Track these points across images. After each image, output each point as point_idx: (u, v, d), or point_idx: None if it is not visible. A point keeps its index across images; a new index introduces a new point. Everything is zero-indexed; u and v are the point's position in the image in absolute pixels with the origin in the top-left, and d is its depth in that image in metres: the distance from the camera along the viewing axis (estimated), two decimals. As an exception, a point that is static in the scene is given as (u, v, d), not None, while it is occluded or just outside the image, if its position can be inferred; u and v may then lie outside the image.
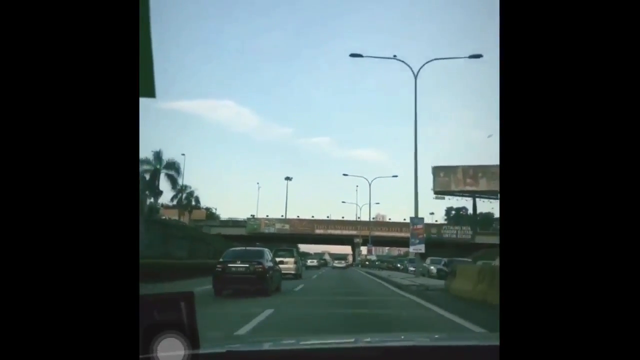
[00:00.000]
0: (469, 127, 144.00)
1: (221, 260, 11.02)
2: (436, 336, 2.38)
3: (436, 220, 58.78)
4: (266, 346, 1.34)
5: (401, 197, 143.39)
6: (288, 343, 1.44)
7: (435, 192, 53.90)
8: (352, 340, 1.65)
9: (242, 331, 5.69)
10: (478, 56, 19.41)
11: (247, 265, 10.56)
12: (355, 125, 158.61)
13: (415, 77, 19.39)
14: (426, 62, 19.90)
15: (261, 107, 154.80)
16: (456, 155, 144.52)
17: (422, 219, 19.84)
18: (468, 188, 53.30)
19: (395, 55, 19.84)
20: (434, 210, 61.49)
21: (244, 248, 12.49)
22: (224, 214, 62.81)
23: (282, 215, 49.90)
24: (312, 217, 48.86)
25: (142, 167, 35.99)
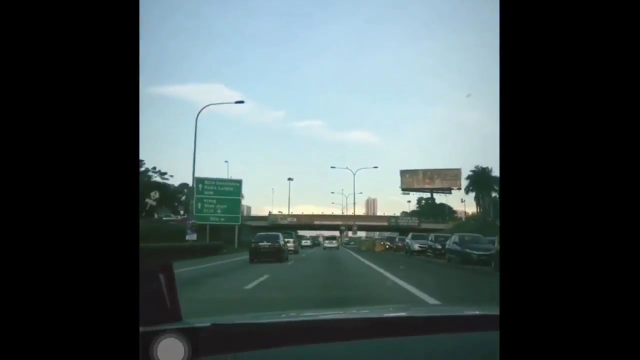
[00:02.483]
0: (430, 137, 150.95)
1: (253, 240, 18.17)
2: (433, 307, 2.60)
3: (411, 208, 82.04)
4: (251, 319, 1.33)
5: (386, 182, 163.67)
6: (273, 316, 1.44)
7: (403, 189, 77.24)
8: (345, 312, 1.65)
9: (291, 262, 16.46)
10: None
11: (270, 244, 17.52)
12: (347, 108, 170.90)
13: (354, 175, 42.69)
14: (359, 169, 43.94)
15: (252, 91, 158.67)
16: (421, 159, 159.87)
17: (356, 225, 45.77)
18: (427, 186, 76.30)
19: (347, 167, 45.55)
20: (410, 199, 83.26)
21: (266, 233, 19.63)
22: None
23: (282, 209, 73.34)
24: (312, 213, 72.01)
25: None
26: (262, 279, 10.17)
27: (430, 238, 24.09)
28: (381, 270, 12.70)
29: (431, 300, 6.76)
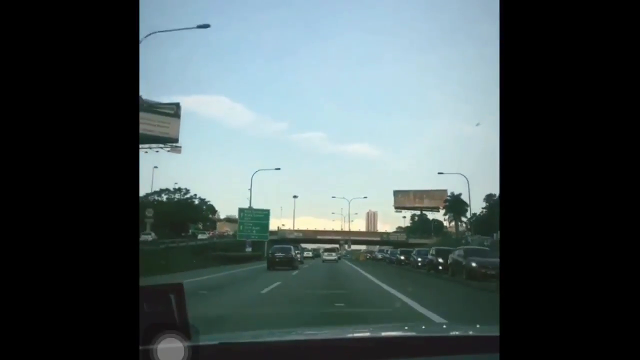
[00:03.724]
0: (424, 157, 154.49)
1: (270, 252, 24.29)
2: (434, 327, 2.62)
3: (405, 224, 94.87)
4: (258, 338, 1.37)
5: (387, 195, 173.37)
6: (280, 335, 1.49)
7: (396, 208, 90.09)
8: (347, 331, 1.69)
9: (305, 266, 27.80)
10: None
11: (284, 254, 22.88)
12: (348, 120, 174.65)
13: (349, 203, 53.00)
14: (353, 198, 54.02)
15: (255, 103, 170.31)
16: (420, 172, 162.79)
17: (350, 240, 60.04)
18: (417, 205, 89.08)
19: (344, 197, 58.41)
20: (406, 215, 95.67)
21: (281, 246, 25.76)
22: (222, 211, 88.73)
23: (284, 221, 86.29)
24: (315, 228, 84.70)
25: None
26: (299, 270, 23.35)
27: (384, 250, 45.80)
28: (354, 267, 26.64)
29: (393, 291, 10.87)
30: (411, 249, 32.96)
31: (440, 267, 19.95)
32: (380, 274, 18.56)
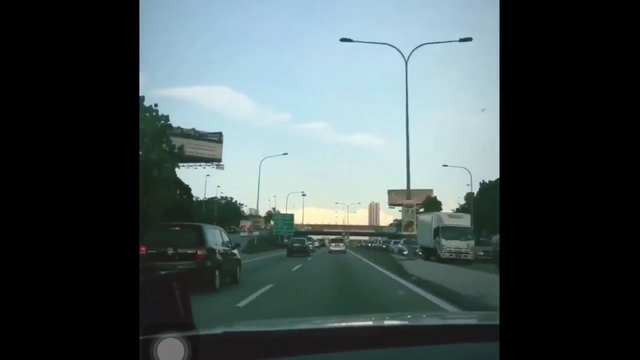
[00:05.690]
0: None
1: (289, 243, 35.05)
2: (434, 316, 2.72)
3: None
4: (263, 327, 1.39)
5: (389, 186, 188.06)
6: (285, 324, 1.51)
7: (389, 204, 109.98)
8: (350, 320, 1.77)
9: (317, 253, 39.71)
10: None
11: (300, 244, 32.21)
12: (351, 110, 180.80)
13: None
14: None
15: (257, 93, 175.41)
16: (423, 160, 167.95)
17: (349, 233, 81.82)
18: (406, 202, 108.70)
19: (344, 202, 76.91)
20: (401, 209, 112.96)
21: (297, 237, 38.97)
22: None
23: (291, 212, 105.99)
24: (322, 223, 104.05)
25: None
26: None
27: (365, 241, 72.65)
28: (349, 251, 47.67)
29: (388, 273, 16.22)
30: (376, 239, 59.05)
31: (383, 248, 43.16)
32: (356, 250, 42.02)
